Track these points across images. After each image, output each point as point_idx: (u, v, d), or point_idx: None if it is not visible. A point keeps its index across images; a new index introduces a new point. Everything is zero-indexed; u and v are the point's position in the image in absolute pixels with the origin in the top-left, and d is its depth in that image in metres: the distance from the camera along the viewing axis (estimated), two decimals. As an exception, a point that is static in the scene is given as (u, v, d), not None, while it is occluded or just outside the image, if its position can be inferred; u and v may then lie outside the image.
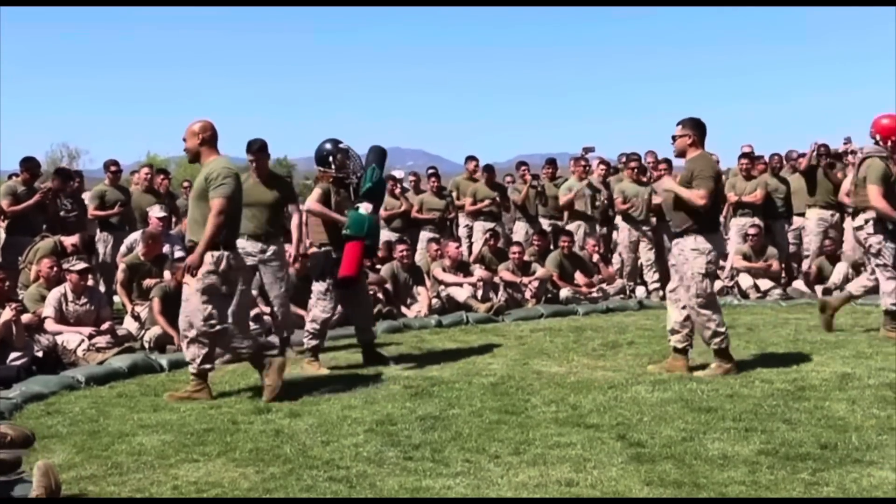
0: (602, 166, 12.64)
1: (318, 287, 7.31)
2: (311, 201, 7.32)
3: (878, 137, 8.10)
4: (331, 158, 7.29)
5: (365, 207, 7.14)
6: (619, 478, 4.32)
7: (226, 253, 6.10)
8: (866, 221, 8.02)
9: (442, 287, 10.56)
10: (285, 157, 54.03)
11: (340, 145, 7.36)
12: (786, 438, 4.87)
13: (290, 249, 8.04)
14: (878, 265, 8.05)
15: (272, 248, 7.63)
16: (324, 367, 7.23)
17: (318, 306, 7.29)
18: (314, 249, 7.52)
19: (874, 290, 8.35)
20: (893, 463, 4.40)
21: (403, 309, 9.92)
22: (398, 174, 14.62)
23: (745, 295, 11.23)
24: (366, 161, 7.40)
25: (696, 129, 6.74)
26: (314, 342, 7.29)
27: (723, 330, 6.64)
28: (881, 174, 7.87)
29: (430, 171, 13.58)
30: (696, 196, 6.51)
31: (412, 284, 10.23)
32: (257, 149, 7.69)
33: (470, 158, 13.40)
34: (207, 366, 6.21)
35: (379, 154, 7.47)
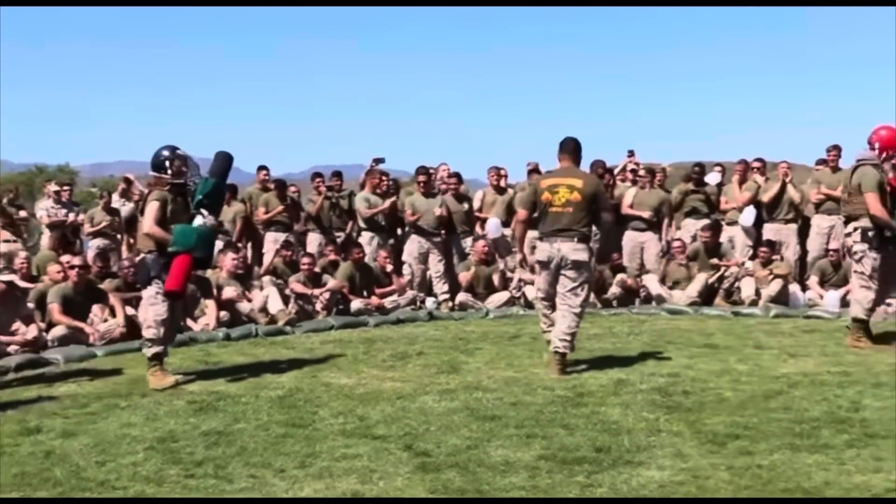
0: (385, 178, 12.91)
1: (147, 292, 7.03)
2: (150, 223, 6.94)
3: (877, 146, 8.08)
4: (167, 164, 7.01)
5: (201, 219, 6.92)
6: (405, 487, 4.37)
7: None
8: (855, 229, 8.13)
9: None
10: (67, 163, 51.47)
11: (178, 151, 7.08)
12: (564, 443, 5.06)
13: None
14: (856, 272, 8.29)
15: None
16: (170, 376, 6.93)
17: (151, 311, 7.01)
18: (142, 256, 7.26)
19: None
20: (660, 462, 4.66)
21: (189, 322, 9.65)
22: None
23: (530, 305, 11.57)
24: (210, 169, 7.18)
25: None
26: (156, 349, 6.99)
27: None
28: (877, 182, 7.94)
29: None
30: None
31: (200, 297, 9.97)
32: None
33: (261, 168, 13.25)
34: None
35: (223, 162, 7.26)
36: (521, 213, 7.78)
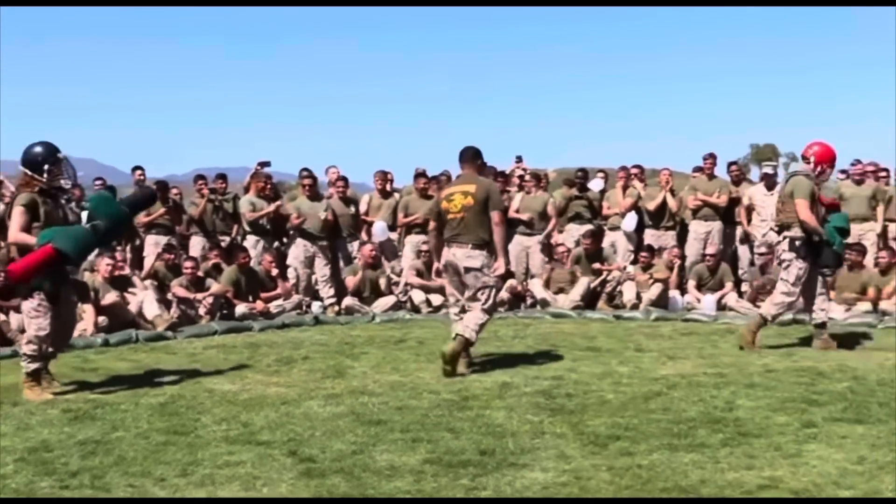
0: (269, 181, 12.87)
1: (27, 305, 6.59)
2: (15, 230, 6.47)
3: (811, 160, 8.29)
4: (45, 166, 6.54)
5: (86, 224, 6.56)
6: (289, 494, 4.32)
7: None
8: (784, 238, 8.31)
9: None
10: None
11: (59, 154, 6.60)
12: (450, 447, 5.07)
13: None
14: (781, 278, 8.47)
15: None
16: (48, 392, 6.59)
17: (32, 325, 6.58)
18: None
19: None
20: (543, 464, 4.72)
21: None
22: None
23: (416, 309, 11.61)
24: (126, 196, 6.95)
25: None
26: (34, 365, 6.59)
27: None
28: (809, 190, 8.16)
29: (97, 181, 13.01)
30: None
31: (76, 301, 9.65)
32: None
33: (136, 168, 12.95)
34: None
35: (143, 198, 7.52)
36: (430, 224, 7.97)
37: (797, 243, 8.26)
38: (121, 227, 7.10)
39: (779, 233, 8.50)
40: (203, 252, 12.13)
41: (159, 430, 5.49)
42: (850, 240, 11.63)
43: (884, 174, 12.68)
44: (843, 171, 13.30)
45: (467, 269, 7.42)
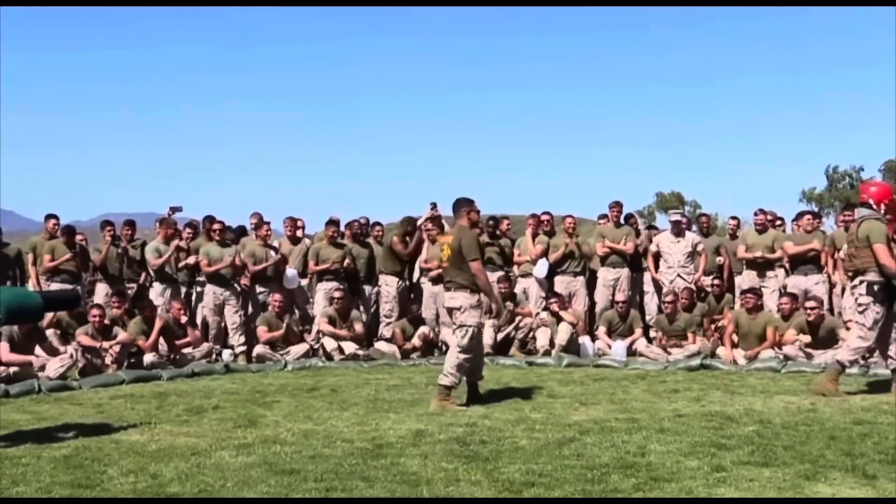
0: (189, 229, 12.70)
1: None
2: None
3: (871, 202, 8.39)
4: None
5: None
6: (200, 547, 4.22)
7: None
8: (861, 282, 8.32)
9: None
10: None
11: None
12: (364, 495, 5.03)
13: None
14: (857, 322, 8.48)
15: None
16: None
17: None
18: None
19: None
20: (459, 513, 4.71)
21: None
22: None
23: (329, 357, 11.52)
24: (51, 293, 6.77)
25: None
26: None
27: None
28: (884, 233, 8.23)
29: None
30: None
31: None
32: None
33: (49, 217, 12.62)
34: None
35: (65, 300, 7.89)
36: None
37: (875, 287, 8.32)
38: (25, 318, 7.27)
39: (852, 278, 8.60)
40: (107, 299, 11.86)
41: (63, 484, 5.32)
42: (747, 285, 12.04)
43: (779, 222, 13.13)
44: (733, 218, 13.83)
45: (449, 310, 8.28)
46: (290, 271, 12.31)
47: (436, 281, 12.42)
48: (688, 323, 11.67)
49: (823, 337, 10.80)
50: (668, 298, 11.79)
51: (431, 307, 12.47)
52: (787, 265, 12.46)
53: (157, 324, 10.88)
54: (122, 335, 10.60)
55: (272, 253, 12.42)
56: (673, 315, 11.68)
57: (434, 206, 13.04)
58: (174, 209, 12.93)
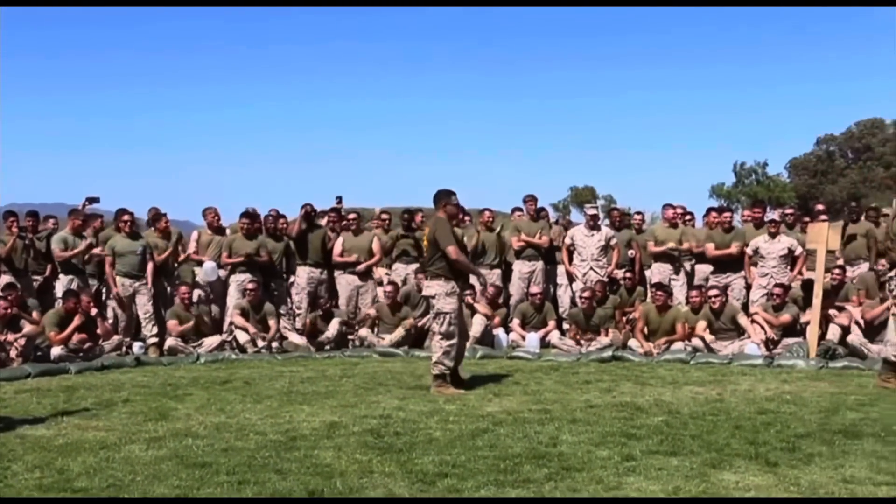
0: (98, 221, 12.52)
1: None
2: None
3: None
4: None
5: None
6: (108, 542, 4.15)
7: None
8: None
9: None
10: None
11: None
12: (277, 488, 5.00)
13: None
14: (894, 314, 8.54)
15: None
16: None
17: None
18: None
19: None
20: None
21: None
22: None
23: (242, 349, 11.42)
24: None
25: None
26: None
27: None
28: None
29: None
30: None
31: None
32: None
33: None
34: None
35: None
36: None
37: None
38: None
39: (890, 268, 8.70)
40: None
41: (-35, 480, 5.18)
42: (656, 280, 12.31)
43: (689, 217, 13.43)
44: (638, 213, 14.16)
45: (426, 299, 8.94)
46: (209, 264, 12.14)
47: (357, 274, 12.43)
48: (602, 319, 11.87)
49: (725, 322, 11.17)
50: (585, 294, 11.93)
51: (353, 301, 12.45)
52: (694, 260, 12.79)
53: (77, 319, 10.65)
54: (28, 328, 10.34)
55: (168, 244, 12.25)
56: (590, 311, 11.84)
57: (339, 199, 13.22)
58: (91, 199, 12.67)
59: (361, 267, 12.39)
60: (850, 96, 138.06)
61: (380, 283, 12.59)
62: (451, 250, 8.32)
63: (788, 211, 13.95)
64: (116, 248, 11.68)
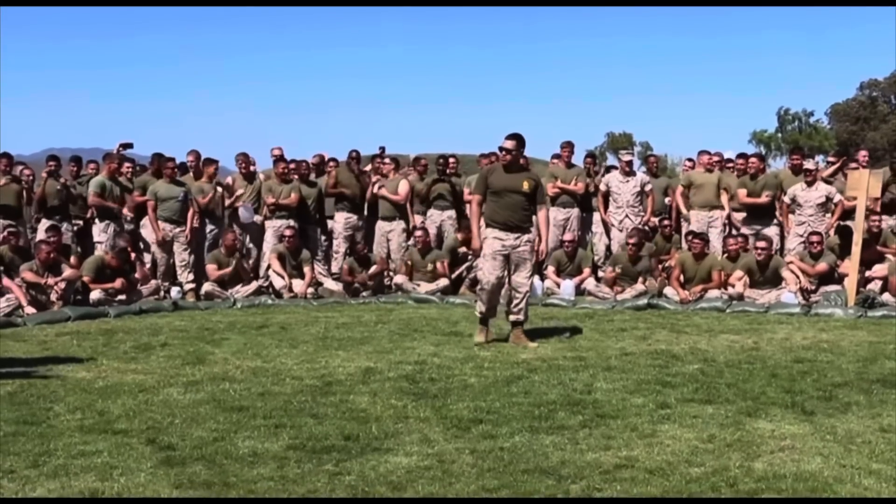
0: (128, 165, 12.56)
1: None
2: None
3: None
4: None
5: None
6: (148, 483, 4.22)
7: None
8: None
9: None
10: None
11: None
12: (313, 433, 5.05)
13: None
14: None
15: None
16: None
17: None
18: None
19: None
20: (407, 448, 4.76)
21: None
22: None
23: (278, 294, 11.49)
24: None
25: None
26: None
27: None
28: None
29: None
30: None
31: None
32: None
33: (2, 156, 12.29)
34: None
35: None
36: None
37: None
38: None
39: None
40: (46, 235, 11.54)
41: (7, 421, 5.27)
42: (694, 228, 12.18)
43: (729, 164, 13.23)
44: (689, 160, 13.91)
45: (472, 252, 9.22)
46: (245, 207, 12.19)
47: (388, 219, 12.45)
48: (644, 267, 11.75)
49: (769, 276, 11.01)
50: (632, 240, 11.71)
51: (384, 246, 12.48)
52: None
53: (118, 283, 10.72)
54: (67, 271, 10.46)
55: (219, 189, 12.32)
56: (635, 257, 11.66)
57: (382, 149, 13.15)
58: (125, 145, 12.71)
59: (382, 191, 12.39)
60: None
61: (412, 230, 12.57)
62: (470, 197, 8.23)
63: (831, 158, 13.73)
64: (159, 194, 11.71)
